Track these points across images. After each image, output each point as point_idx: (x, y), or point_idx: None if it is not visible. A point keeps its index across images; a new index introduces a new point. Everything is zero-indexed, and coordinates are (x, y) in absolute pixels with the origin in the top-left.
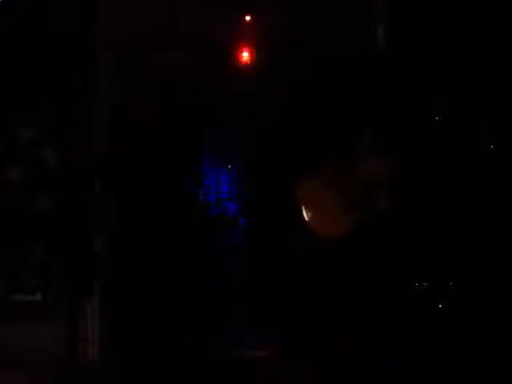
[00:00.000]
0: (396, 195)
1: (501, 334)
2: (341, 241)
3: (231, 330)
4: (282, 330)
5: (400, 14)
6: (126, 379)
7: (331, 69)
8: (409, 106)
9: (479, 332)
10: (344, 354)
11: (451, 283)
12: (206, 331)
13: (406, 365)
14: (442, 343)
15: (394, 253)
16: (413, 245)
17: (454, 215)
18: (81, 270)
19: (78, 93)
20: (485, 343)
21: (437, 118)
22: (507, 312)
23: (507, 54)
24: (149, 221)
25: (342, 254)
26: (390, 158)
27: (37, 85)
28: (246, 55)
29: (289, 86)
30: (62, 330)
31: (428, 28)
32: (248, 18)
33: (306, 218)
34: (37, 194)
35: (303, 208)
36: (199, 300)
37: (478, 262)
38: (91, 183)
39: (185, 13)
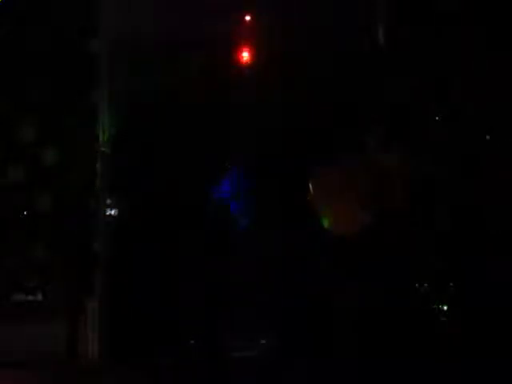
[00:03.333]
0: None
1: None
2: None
3: (231, 330)
4: (282, 330)
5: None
6: (126, 379)
7: (334, 69)
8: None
9: (479, 332)
10: (343, 353)
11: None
12: (206, 331)
13: (405, 365)
14: (441, 343)
15: (396, 252)
16: (414, 244)
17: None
18: (81, 270)
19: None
20: (485, 343)
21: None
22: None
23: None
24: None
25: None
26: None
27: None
28: (246, 55)
29: (291, 85)
30: (62, 330)
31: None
32: (248, 17)
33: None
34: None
35: (317, 204)
36: (199, 300)
37: (478, 261)
38: (92, 183)
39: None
